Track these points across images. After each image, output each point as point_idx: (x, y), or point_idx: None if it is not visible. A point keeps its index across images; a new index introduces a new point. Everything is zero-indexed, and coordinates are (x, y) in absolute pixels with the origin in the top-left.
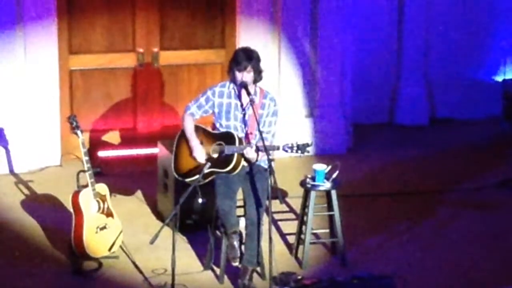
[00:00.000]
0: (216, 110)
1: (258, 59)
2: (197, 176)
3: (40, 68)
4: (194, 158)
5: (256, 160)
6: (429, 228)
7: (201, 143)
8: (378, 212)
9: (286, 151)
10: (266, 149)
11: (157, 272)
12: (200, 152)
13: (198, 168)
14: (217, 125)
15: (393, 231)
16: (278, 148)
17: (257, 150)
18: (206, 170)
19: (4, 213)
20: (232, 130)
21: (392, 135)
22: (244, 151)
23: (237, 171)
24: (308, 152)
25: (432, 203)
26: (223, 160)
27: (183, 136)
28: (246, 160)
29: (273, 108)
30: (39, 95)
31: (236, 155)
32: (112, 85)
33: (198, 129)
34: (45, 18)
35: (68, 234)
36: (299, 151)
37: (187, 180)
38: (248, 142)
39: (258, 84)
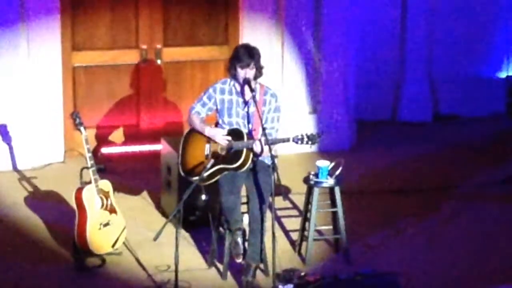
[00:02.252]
0: (219, 107)
1: (259, 56)
2: (204, 174)
3: (43, 64)
4: (219, 144)
5: (261, 153)
6: (433, 224)
7: (209, 142)
8: (381, 209)
9: (297, 142)
10: (269, 146)
11: (161, 268)
12: (221, 135)
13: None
14: (220, 121)
15: (396, 227)
16: (288, 140)
17: (266, 143)
18: (209, 166)
19: (8, 210)
20: (235, 127)
21: (395, 132)
22: (254, 145)
23: (246, 167)
24: (318, 142)
25: (436, 199)
26: (232, 156)
27: (189, 135)
28: (253, 153)
29: (275, 104)
30: (42, 91)
31: (245, 150)
32: (115, 81)
33: None
34: (49, 14)
35: (71, 230)
36: (310, 142)
37: (194, 179)
38: (253, 139)
39: (259, 80)
